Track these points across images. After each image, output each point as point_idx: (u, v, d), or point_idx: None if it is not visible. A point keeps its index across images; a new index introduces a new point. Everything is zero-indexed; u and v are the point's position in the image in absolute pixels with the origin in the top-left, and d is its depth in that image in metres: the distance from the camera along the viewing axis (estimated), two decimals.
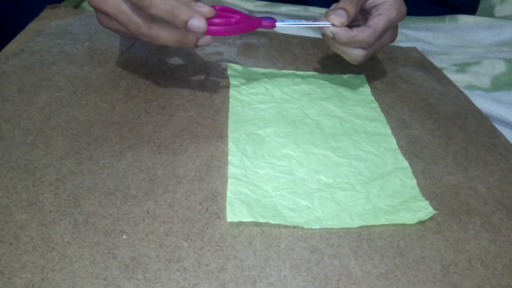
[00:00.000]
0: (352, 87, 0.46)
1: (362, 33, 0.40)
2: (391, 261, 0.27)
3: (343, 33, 0.39)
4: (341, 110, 0.42)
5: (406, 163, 0.35)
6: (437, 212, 0.31)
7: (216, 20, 0.36)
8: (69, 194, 0.29)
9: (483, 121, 0.44)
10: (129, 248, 0.26)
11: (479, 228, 0.31)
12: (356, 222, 0.29)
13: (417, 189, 0.33)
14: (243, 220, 0.28)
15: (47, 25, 0.49)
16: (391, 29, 0.43)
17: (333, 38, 0.40)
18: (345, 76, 0.48)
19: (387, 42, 0.44)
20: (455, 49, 0.61)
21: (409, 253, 0.28)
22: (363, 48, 0.41)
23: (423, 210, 0.31)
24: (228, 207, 0.29)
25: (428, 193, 0.33)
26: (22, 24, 0.49)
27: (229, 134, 0.36)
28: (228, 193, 0.30)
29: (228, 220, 0.28)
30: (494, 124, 0.44)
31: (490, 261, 0.28)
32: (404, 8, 0.43)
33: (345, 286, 0.25)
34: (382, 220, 0.30)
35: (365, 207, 0.31)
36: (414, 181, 0.34)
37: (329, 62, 0.51)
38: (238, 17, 0.38)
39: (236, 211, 0.29)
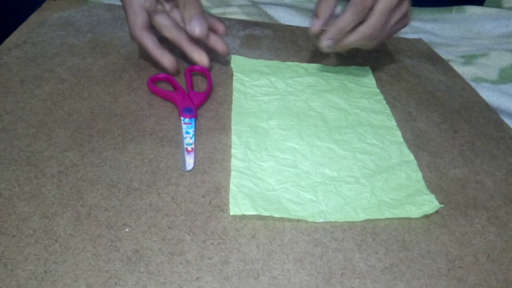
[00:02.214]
0: (357, 79, 0.46)
1: (366, 28, 0.38)
2: (395, 255, 0.27)
3: (345, 41, 0.39)
4: (345, 103, 0.41)
5: (411, 156, 0.35)
6: (442, 206, 0.31)
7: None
8: (72, 187, 0.29)
9: (490, 114, 0.43)
10: (132, 240, 0.26)
11: (485, 223, 0.30)
12: (361, 216, 0.29)
13: (423, 183, 0.33)
14: (246, 213, 0.28)
15: (49, 16, 0.49)
16: (397, 8, 0.40)
17: (338, 46, 0.39)
18: (350, 68, 0.48)
19: (399, 25, 0.41)
20: (462, 40, 0.60)
21: (414, 247, 0.28)
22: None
23: (429, 204, 0.30)
24: (231, 200, 0.29)
25: (433, 186, 0.33)
26: (24, 15, 0.48)
27: (232, 127, 0.36)
28: (231, 186, 0.30)
29: (231, 213, 0.28)
30: (502, 117, 0.44)
31: (496, 256, 0.28)
32: None
33: (349, 280, 0.25)
34: (387, 214, 0.29)
35: (370, 200, 0.30)
36: (419, 175, 0.33)
37: (333, 54, 0.50)
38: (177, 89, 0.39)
39: (239, 204, 0.28)
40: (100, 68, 0.41)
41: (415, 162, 0.34)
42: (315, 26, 0.40)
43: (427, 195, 0.31)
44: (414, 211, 0.30)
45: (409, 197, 0.31)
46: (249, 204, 0.28)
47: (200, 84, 0.42)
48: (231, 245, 0.26)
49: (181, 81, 0.40)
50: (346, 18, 0.38)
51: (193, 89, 0.40)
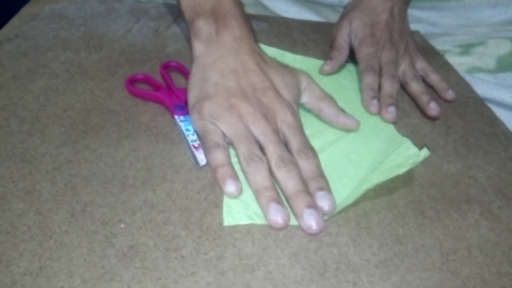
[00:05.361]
0: (352, 75, 0.46)
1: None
2: (389, 249, 0.27)
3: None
4: (340, 100, 0.41)
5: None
6: (428, 151, 0.31)
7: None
8: (66, 183, 0.29)
9: (484, 109, 0.43)
10: (127, 236, 0.26)
11: (478, 217, 0.31)
12: (351, 198, 0.29)
13: (396, 132, 0.35)
14: (240, 223, 0.27)
15: (41, 9, 0.48)
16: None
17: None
18: (346, 65, 0.47)
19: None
20: (459, 28, 0.59)
21: (408, 241, 0.28)
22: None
23: (413, 153, 0.32)
24: (225, 209, 0.28)
25: (427, 182, 0.33)
26: (15, 8, 0.48)
27: None
28: (225, 197, 0.29)
29: (225, 224, 0.27)
30: (497, 108, 0.44)
31: (489, 249, 0.28)
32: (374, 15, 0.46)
33: (343, 274, 0.25)
34: (375, 180, 0.29)
35: (354, 182, 0.31)
36: (391, 127, 0.36)
37: (328, 49, 0.50)
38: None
39: (233, 214, 0.28)
40: (94, 63, 0.41)
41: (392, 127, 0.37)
42: (328, 66, 0.45)
43: (406, 142, 0.33)
44: (404, 163, 0.30)
45: (390, 155, 0.32)
46: (243, 212, 0.28)
47: (180, 80, 0.40)
48: (227, 240, 0.26)
49: (158, 79, 0.39)
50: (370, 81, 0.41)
51: (175, 86, 0.38)
